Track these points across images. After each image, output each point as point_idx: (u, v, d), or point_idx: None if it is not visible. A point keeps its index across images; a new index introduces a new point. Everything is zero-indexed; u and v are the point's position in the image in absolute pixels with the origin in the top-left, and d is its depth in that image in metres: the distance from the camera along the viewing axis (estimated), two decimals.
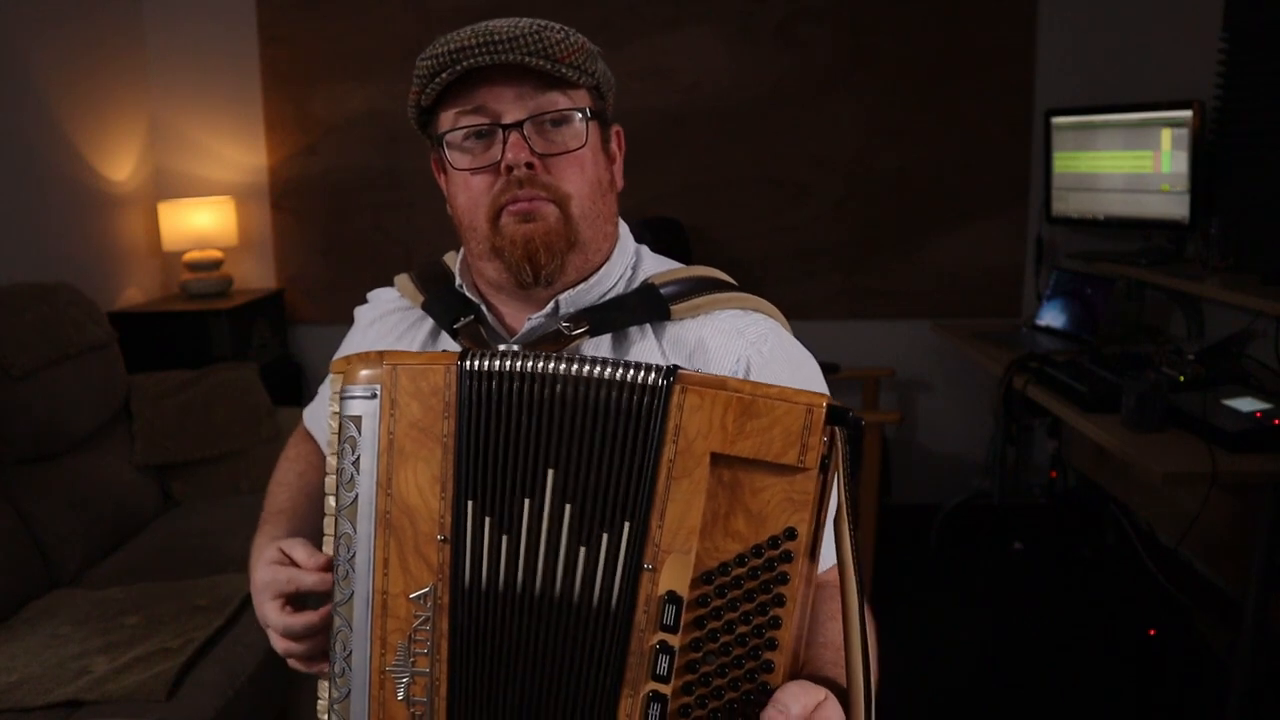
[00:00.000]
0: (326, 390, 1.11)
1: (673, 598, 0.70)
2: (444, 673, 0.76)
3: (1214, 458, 1.88)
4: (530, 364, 0.74)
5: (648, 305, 0.92)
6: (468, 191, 0.89)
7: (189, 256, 3.32)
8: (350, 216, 3.51)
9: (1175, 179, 2.77)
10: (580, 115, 0.88)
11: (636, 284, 0.95)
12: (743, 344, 0.90)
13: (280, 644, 0.87)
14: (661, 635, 0.70)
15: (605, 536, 0.72)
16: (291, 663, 0.89)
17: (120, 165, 3.24)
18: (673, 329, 0.92)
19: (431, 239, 3.40)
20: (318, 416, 1.12)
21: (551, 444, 0.73)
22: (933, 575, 3.16)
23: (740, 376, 0.88)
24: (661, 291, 0.93)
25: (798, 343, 0.96)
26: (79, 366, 2.45)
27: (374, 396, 0.76)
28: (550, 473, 0.73)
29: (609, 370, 0.73)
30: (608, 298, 0.94)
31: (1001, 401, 2.76)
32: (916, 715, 2.45)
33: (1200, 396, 2.07)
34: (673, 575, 0.70)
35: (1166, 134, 2.79)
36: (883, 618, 2.97)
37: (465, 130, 0.87)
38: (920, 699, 2.49)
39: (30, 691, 1.73)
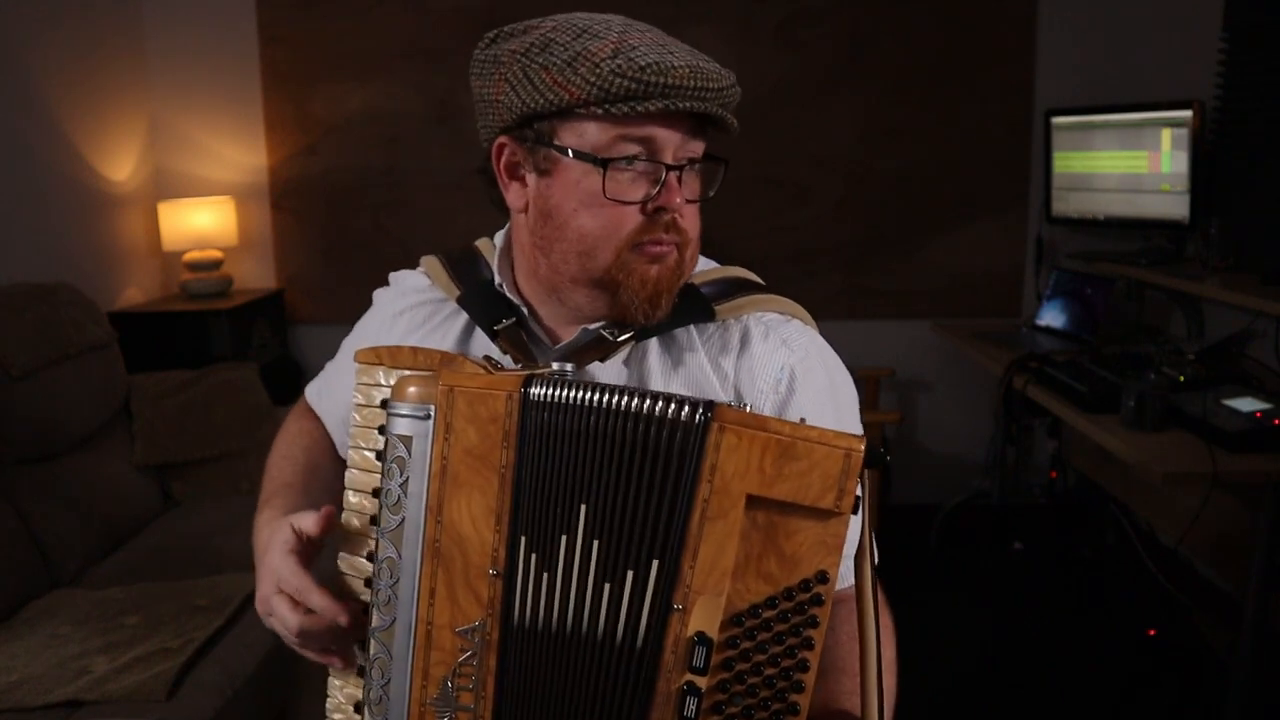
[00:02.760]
0: (335, 370, 1.08)
1: (702, 639, 0.69)
2: (489, 711, 0.74)
3: (1214, 458, 1.88)
4: (592, 396, 0.72)
5: (691, 306, 0.92)
6: (600, 218, 0.84)
7: (189, 256, 3.32)
8: (350, 216, 3.50)
9: (1175, 179, 2.77)
10: (717, 164, 0.90)
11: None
12: (786, 353, 0.91)
13: (285, 634, 0.84)
14: (690, 677, 0.69)
15: (631, 574, 0.71)
16: (294, 645, 0.85)
17: (120, 165, 3.24)
18: (717, 332, 0.92)
19: (431, 239, 3.40)
20: (326, 395, 1.09)
21: (591, 479, 0.72)
22: (933, 575, 3.16)
23: (783, 387, 0.89)
24: (702, 291, 0.93)
25: (832, 351, 0.97)
26: (79, 366, 2.45)
27: (427, 417, 0.74)
28: (583, 508, 0.72)
29: (645, 403, 0.71)
30: None
31: (1001, 401, 2.76)
32: (916, 715, 2.45)
33: (1200, 396, 2.07)
34: (703, 616, 0.69)
35: (1166, 134, 2.79)
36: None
37: (622, 158, 0.83)
38: (920, 699, 2.49)
39: (30, 691, 1.73)
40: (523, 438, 0.72)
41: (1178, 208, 2.77)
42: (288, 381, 3.37)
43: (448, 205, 3.35)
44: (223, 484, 2.75)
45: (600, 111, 0.81)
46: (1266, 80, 2.51)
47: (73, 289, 2.58)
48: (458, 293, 0.96)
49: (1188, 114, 2.69)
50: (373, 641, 0.76)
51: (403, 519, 0.74)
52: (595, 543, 0.72)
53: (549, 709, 0.74)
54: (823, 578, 0.69)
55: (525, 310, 0.92)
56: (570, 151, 0.83)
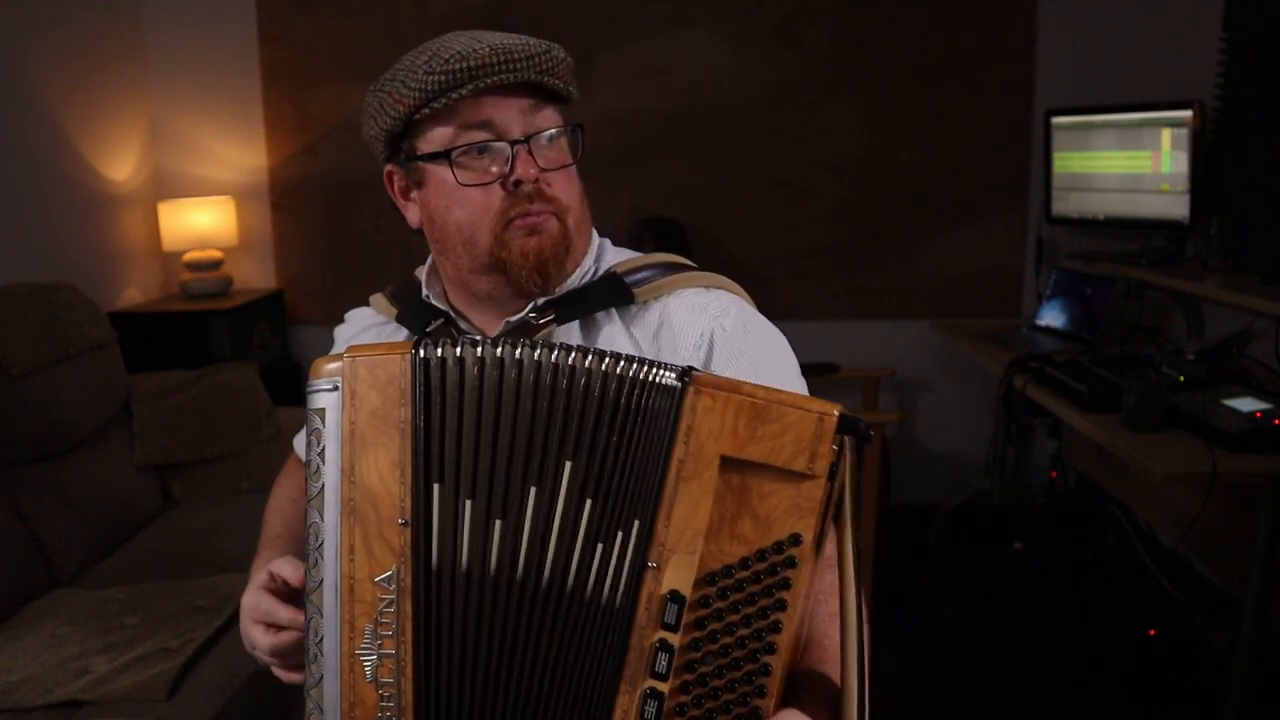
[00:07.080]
0: None
1: (675, 597, 0.71)
2: (409, 654, 0.77)
3: (1214, 458, 1.88)
4: (488, 350, 0.75)
5: (611, 292, 0.94)
6: (466, 206, 0.89)
7: (189, 256, 3.32)
8: (350, 216, 3.51)
9: (1175, 179, 2.77)
10: (571, 131, 0.93)
11: (600, 274, 0.97)
12: (705, 319, 0.92)
13: (265, 660, 0.91)
14: (662, 633, 0.71)
15: (600, 526, 0.73)
16: (276, 671, 0.92)
17: (120, 165, 3.24)
18: (637, 312, 0.94)
19: None
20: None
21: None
22: (933, 575, 3.16)
23: (704, 352, 0.91)
24: (625, 279, 0.95)
25: (762, 317, 0.97)
26: (79, 366, 2.45)
27: (335, 389, 0.78)
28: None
29: (618, 365, 0.73)
30: (572, 289, 0.96)
31: (1001, 401, 2.76)
32: (916, 715, 2.45)
33: (1200, 396, 2.07)
34: (676, 575, 0.71)
35: (1166, 134, 2.79)
36: (883, 618, 2.94)
37: (467, 145, 0.88)
38: (920, 699, 2.49)
39: (30, 691, 1.73)
40: (416, 394, 0.76)
41: (1178, 208, 2.77)
42: (288, 381, 3.37)
43: None
44: (223, 484, 2.75)
45: (428, 111, 0.87)
46: (1266, 80, 2.51)
47: (73, 289, 2.58)
48: (395, 312, 1.03)
49: (1188, 114, 2.69)
50: (307, 604, 0.80)
51: (322, 485, 0.79)
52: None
53: (487, 652, 0.76)
54: (796, 540, 0.70)
55: (452, 314, 0.97)
56: (425, 157, 0.90)
